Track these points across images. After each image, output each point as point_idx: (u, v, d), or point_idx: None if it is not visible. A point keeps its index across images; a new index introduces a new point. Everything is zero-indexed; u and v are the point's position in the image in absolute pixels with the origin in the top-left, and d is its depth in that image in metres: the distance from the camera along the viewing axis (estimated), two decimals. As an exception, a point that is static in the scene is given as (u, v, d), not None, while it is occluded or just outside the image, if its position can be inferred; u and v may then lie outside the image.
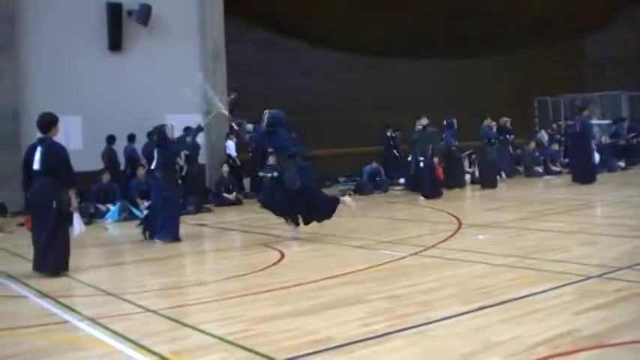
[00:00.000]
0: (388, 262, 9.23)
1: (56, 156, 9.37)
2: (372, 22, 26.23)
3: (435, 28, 27.78)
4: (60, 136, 9.94)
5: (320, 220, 11.89)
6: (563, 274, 7.88)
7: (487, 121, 20.95)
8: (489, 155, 20.39)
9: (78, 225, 9.84)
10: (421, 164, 18.13)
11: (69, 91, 18.85)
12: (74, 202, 9.64)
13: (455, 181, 20.55)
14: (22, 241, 12.95)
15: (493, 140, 20.64)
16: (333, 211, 11.81)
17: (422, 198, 17.64)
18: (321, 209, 11.77)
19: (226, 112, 14.79)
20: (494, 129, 21.24)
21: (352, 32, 25.84)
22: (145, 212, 14.06)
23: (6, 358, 5.72)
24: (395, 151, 23.39)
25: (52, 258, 9.25)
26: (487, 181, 20.27)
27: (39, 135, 9.63)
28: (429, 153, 18.03)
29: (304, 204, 11.68)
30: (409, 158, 19.51)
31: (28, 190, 9.67)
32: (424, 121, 18.57)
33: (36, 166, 9.34)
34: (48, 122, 9.60)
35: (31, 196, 9.59)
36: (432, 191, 17.77)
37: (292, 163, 11.65)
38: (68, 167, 9.45)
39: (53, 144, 9.51)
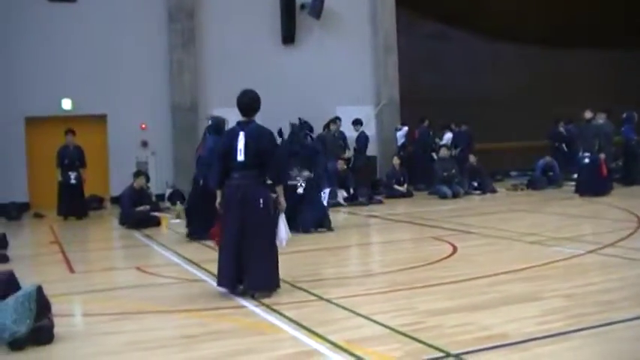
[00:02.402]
0: (563, 259, 8.97)
1: (265, 143, 7.56)
2: (547, 11, 25.50)
3: (614, 17, 26.68)
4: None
5: None
6: None
7: (669, 114, 19.93)
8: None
9: (284, 232, 7.75)
10: (586, 160, 17.25)
11: (243, 83, 19.15)
12: (282, 202, 7.76)
13: (634, 177, 19.65)
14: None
15: (674, 136, 19.58)
16: None
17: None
18: None
19: None
20: (678, 123, 20.14)
21: (526, 22, 25.22)
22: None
23: (188, 338, 5.99)
24: (564, 145, 22.51)
25: (266, 272, 7.44)
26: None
27: (240, 118, 7.78)
28: (595, 148, 17.15)
29: None
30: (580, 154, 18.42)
31: (225, 188, 7.67)
32: (588, 114, 17.69)
33: (240, 157, 7.46)
34: (255, 101, 7.75)
35: (230, 195, 7.54)
36: (598, 188, 16.82)
37: None
38: (279, 157, 7.87)
39: (261, 129, 7.66)
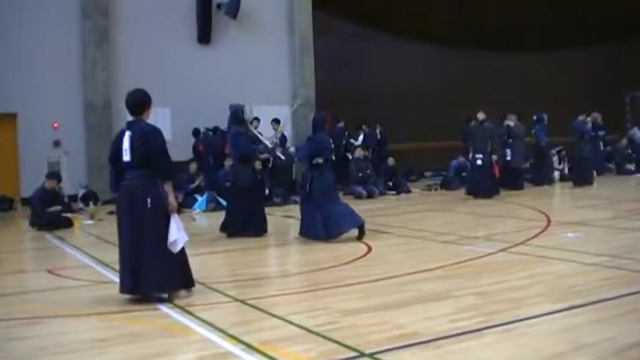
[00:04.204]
0: (476, 258, 9.13)
1: (149, 141, 7.23)
2: (461, 14, 25.99)
3: (526, 21, 27.38)
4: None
5: None
6: (658, 274, 7.63)
7: (582, 117, 20.46)
8: (582, 152, 19.81)
9: (177, 232, 7.18)
10: (478, 162, 17.34)
11: (158, 82, 19.10)
12: (172, 200, 7.30)
13: (544, 177, 20.16)
14: (112, 229, 13.29)
15: (586, 136, 20.12)
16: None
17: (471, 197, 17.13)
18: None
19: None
20: (589, 125, 20.69)
21: (441, 25, 25.67)
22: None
23: (100, 342, 5.87)
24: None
25: (160, 274, 7.12)
26: (579, 178, 19.65)
27: (129, 118, 7.59)
28: (488, 150, 17.53)
29: None
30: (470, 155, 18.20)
31: (118, 190, 7.47)
32: (481, 115, 17.92)
33: (126, 157, 7.25)
34: (142, 101, 7.49)
35: (121, 198, 7.41)
36: (490, 190, 17.14)
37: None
38: (164, 155, 7.32)
39: (145, 127, 7.35)
